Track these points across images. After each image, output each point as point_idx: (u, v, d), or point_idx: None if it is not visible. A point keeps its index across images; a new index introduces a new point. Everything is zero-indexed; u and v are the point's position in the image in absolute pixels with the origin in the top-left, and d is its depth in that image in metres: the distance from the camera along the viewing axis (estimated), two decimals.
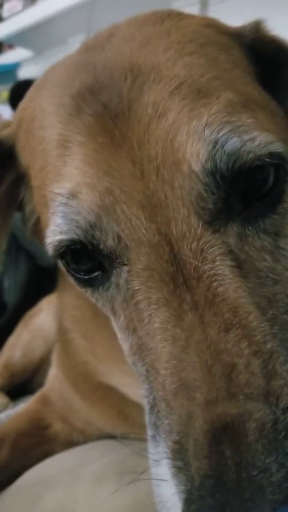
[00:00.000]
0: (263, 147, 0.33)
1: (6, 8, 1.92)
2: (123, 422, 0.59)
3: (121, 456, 0.53)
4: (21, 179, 0.47)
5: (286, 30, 0.53)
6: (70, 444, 0.63)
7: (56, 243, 0.36)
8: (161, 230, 0.33)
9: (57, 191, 0.35)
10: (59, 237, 0.35)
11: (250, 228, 0.35)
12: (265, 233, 0.35)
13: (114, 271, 0.36)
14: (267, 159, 0.34)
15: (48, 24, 1.78)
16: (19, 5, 1.88)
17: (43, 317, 0.95)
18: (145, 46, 0.37)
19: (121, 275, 0.35)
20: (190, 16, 0.42)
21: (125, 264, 0.35)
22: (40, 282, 1.20)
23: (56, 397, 0.65)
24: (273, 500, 0.26)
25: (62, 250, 0.36)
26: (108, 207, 0.33)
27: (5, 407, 0.87)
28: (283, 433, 0.28)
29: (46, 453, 0.63)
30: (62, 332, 0.62)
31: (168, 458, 0.31)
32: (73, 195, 0.34)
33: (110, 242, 0.34)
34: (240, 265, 0.33)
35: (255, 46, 0.43)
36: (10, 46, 2.20)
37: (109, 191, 0.33)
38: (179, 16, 0.41)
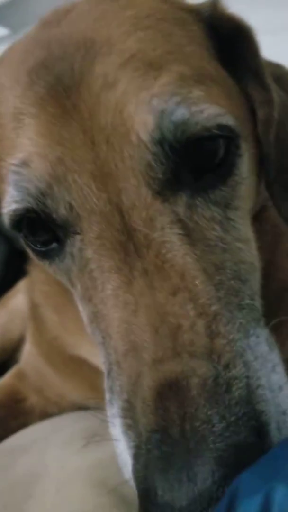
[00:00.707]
0: (211, 118, 0.35)
1: None
2: (95, 393, 0.61)
3: (91, 423, 0.55)
4: None
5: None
6: (45, 416, 0.66)
7: (11, 213, 0.37)
8: (112, 199, 0.34)
9: (10, 161, 0.36)
10: (13, 206, 0.36)
11: (199, 198, 0.36)
12: (215, 204, 0.37)
13: (68, 240, 0.37)
14: (215, 131, 0.35)
15: (26, 0, 1.73)
16: None
17: (21, 298, 0.96)
18: (100, 21, 0.38)
19: (75, 244, 0.37)
20: None
21: (78, 233, 0.36)
22: (19, 265, 1.20)
23: (31, 372, 0.67)
24: (215, 448, 0.28)
25: (17, 219, 0.37)
26: (60, 176, 0.34)
27: None
28: (224, 387, 0.30)
29: (22, 425, 0.64)
30: (33, 308, 0.63)
31: (119, 417, 0.33)
32: (24, 163, 0.35)
33: (62, 211, 0.35)
34: (189, 234, 0.35)
35: (213, 23, 0.43)
36: None
37: (60, 160, 0.34)
38: None
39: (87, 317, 0.39)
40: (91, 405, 0.63)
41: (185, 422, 0.29)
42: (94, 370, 0.58)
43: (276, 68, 0.49)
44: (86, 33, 0.37)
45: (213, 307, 0.33)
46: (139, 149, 0.34)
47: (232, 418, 0.29)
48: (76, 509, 0.42)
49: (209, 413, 0.29)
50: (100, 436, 0.49)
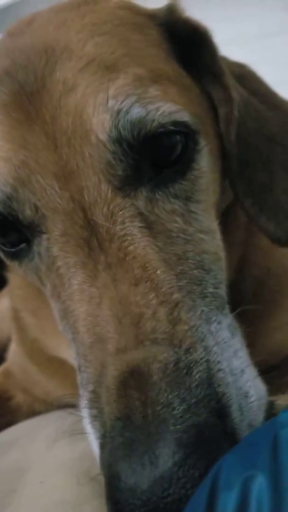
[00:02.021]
0: (166, 115, 0.36)
1: None
2: (78, 390, 0.62)
3: (76, 420, 0.56)
4: None
5: None
6: (32, 413, 0.66)
7: None
8: (74, 197, 0.35)
9: None
10: None
11: (160, 192, 0.38)
12: (176, 198, 0.38)
13: (35, 240, 0.38)
14: (171, 127, 0.36)
15: (21, 5, 1.74)
16: None
17: None
18: (60, 29, 0.39)
19: (41, 243, 0.38)
20: (106, 0, 0.44)
21: (44, 233, 0.37)
22: None
23: (17, 370, 0.68)
24: (175, 430, 0.28)
25: None
26: (24, 179, 0.36)
27: None
28: (185, 371, 0.31)
29: (9, 423, 0.65)
30: (13, 311, 0.64)
31: (86, 408, 0.34)
32: None
33: (28, 212, 0.37)
34: (150, 226, 0.36)
35: (171, 26, 0.44)
36: None
37: (24, 163, 0.36)
38: (95, 0, 0.44)
39: (58, 314, 0.40)
40: (76, 401, 0.64)
41: (147, 408, 0.29)
42: (75, 369, 0.59)
43: (238, 68, 0.51)
44: (47, 41, 0.39)
45: (175, 295, 0.34)
46: (98, 148, 0.35)
47: (193, 400, 0.30)
48: (58, 499, 0.44)
49: (169, 396, 0.29)
50: (83, 432, 0.51)
